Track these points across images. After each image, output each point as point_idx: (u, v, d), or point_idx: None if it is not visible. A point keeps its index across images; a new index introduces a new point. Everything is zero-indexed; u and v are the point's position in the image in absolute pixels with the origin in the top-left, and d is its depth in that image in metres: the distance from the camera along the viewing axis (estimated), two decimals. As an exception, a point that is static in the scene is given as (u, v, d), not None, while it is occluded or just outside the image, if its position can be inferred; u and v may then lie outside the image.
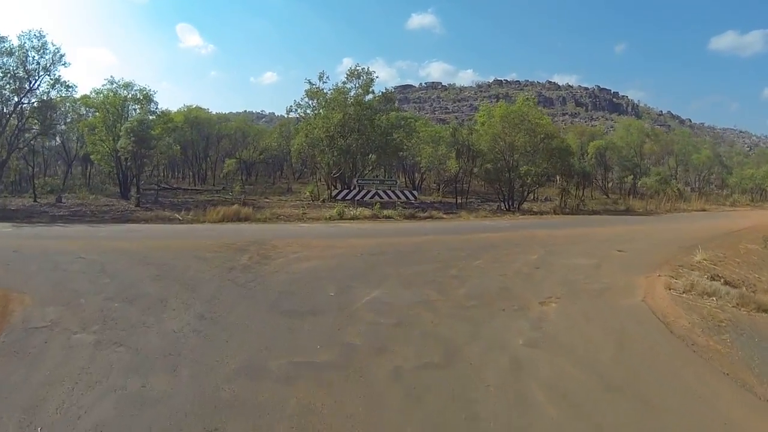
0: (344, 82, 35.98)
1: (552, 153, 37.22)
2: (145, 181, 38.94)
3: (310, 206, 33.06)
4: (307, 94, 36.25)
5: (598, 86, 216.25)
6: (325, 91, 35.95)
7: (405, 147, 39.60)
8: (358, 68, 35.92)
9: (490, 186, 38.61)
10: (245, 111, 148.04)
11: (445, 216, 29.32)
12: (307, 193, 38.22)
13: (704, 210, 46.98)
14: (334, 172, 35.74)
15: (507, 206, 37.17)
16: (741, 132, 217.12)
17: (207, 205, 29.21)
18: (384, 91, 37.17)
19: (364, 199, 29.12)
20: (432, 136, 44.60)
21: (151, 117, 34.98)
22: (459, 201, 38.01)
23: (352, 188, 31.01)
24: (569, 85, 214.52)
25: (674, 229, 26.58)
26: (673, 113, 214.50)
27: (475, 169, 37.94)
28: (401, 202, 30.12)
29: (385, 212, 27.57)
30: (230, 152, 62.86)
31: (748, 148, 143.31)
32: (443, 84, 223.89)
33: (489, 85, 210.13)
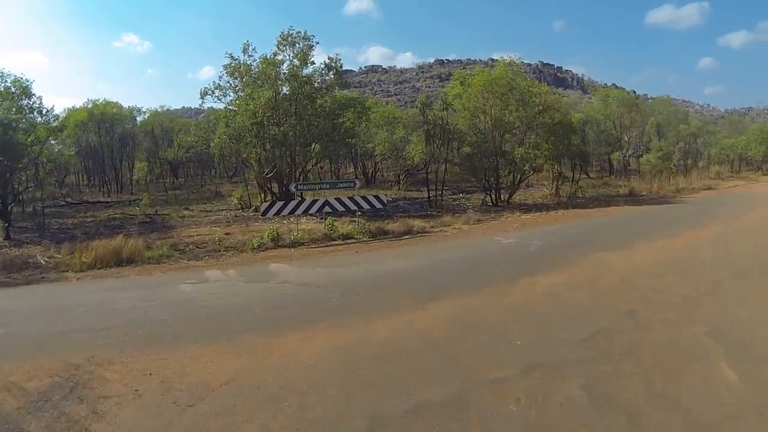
0: (275, 54, 27.11)
1: (553, 130, 29.42)
2: (43, 196, 29.08)
3: (237, 219, 24.62)
4: (226, 71, 27.22)
5: (542, 61, 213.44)
6: (251, 65, 27.12)
7: (356, 132, 31.03)
8: (292, 33, 27.17)
9: (472, 175, 30.26)
10: (182, 107, 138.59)
11: (425, 224, 21.05)
12: (235, 200, 29.36)
13: (710, 188, 40.03)
14: (266, 171, 26.75)
15: (494, 199, 29.22)
16: (684, 101, 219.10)
17: (104, 228, 22.85)
18: (327, 61, 28.25)
19: (309, 213, 19.77)
20: (386, 117, 37.41)
21: (37, 117, 25.85)
22: (430, 196, 29.77)
23: (289, 197, 22.37)
24: (513, 61, 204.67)
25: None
26: (618, 86, 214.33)
27: (451, 155, 29.39)
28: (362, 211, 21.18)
29: (341, 228, 18.92)
30: (154, 152, 53.62)
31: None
32: (383, 67, 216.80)
33: (430, 66, 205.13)
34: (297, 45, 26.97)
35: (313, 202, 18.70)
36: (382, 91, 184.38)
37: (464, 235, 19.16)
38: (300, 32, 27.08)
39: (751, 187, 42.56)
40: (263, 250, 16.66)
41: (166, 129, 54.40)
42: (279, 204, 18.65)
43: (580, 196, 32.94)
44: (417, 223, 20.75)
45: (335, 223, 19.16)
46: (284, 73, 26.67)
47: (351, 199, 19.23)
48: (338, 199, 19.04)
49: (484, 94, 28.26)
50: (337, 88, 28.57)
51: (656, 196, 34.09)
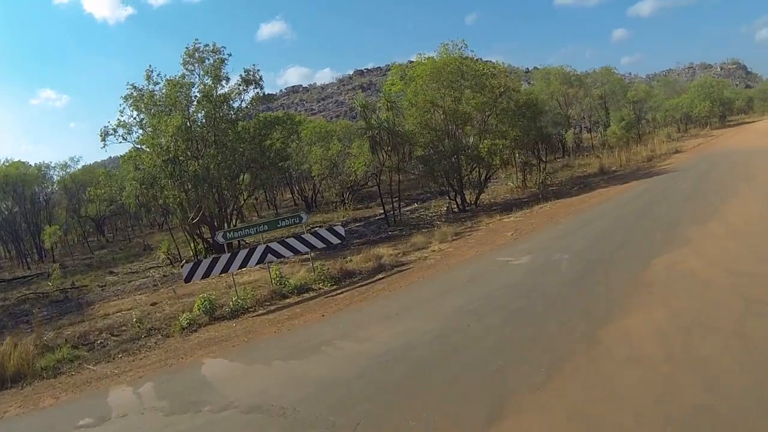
0: (183, 75, 22.80)
1: (519, 114, 25.92)
2: None
3: (166, 280, 20.07)
4: (128, 103, 22.69)
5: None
6: (154, 92, 22.69)
7: (288, 154, 26.97)
8: (198, 47, 22.91)
9: (431, 179, 26.38)
10: (109, 157, 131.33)
11: (395, 251, 17.01)
12: (162, 256, 24.79)
13: (679, 152, 37.34)
14: (191, 216, 22.28)
15: (460, 204, 25.51)
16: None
17: (8, 317, 18.36)
18: (244, 74, 23.92)
19: (248, 266, 14.65)
20: (318, 133, 34.10)
21: None
22: (386, 212, 25.83)
23: (221, 247, 17.88)
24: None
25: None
26: (539, 67, 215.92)
27: (402, 162, 25.45)
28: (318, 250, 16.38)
29: (293, 277, 14.48)
30: (75, 210, 48.15)
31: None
32: (304, 86, 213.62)
33: (350, 77, 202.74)
34: (207, 61, 22.80)
35: (251, 251, 14.11)
36: (306, 110, 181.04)
37: (452, 259, 15.01)
38: (208, 45, 22.87)
39: (718, 142, 40.78)
40: (195, 330, 12.14)
41: (83, 183, 48.94)
42: (205, 263, 13.84)
43: (550, 183, 29.70)
44: (385, 252, 16.60)
45: (284, 273, 14.91)
46: (196, 96, 22.48)
47: (298, 238, 14.69)
48: (283, 242, 14.59)
49: (431, 85, 24.53)
50: (259, 104, 24.40)
51: (632, 169, 31.06)
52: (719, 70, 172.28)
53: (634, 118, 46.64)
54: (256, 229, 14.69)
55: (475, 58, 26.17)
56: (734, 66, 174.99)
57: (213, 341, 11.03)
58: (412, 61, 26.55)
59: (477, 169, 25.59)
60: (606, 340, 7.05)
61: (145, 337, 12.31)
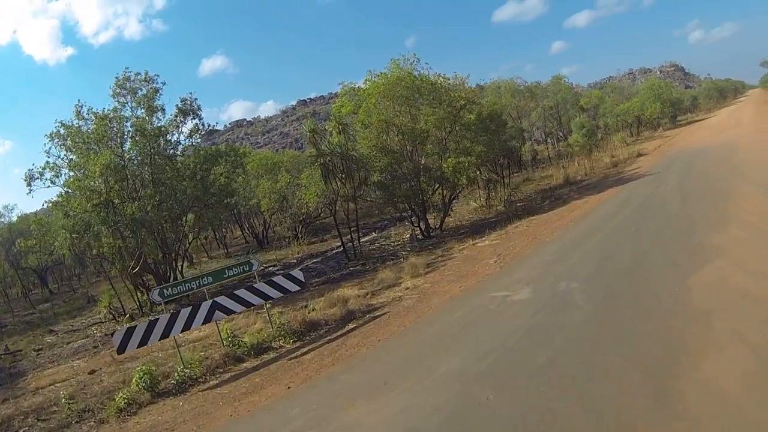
0: (114, 109, 20.75)
1: (483, 128, 24.46)
2: None
3: (107, 340, 17.38)
4: (53, 142, 20.47)
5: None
6: (81, 129, 20.52)
7: (233, 189, 25.23)
8: (129, 75, 20.89)
9: (391, 205, 24.66)
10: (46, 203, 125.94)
11: (361, 292, 15.13)
12: (103, 311, 22.27)
13: (642, 155, 36.56)
14: (131, 265, 20.00)
15: (425, 230, 23.82)
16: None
17: None
18: (180, 104, 21.83)
19: (193, 327, 12.10)
20: (265, 165, 32.22)
21: None
22: (344, 246, 23.98)
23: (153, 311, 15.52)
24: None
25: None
26: (482, 85, 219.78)
27: (359, 189, 23.65)
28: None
29: (248, 335, 12.46)
30: (15, 262, 44.95)
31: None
32: (248, 119, 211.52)
33: (294, 108, 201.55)
34: (139, 91, 20.80)
35: (195, 309, 11.93)
36: (252, 143, 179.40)
37: (433, 298, 12.97)
38: (140, 74, 20.87)
39: (678, 142, 40.62)
40: (135, 411, 9.98)
41: (21, 233, 45.70)
42: (141, 329, 11.37)
43: (516, 200, 28.36)
44: (351, 294, 14.65)
45: (237, 326, 12.92)
46: (129, 131, 20.40)
47: (251, 289, 12.63)
48: (233, 295, 12.49)
49: (385, 103, 22.91)
50: (198, 136, 22.44)
51: (599, 177, 29.98)
52: (659, 73, 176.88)
53: (594, 124, 45.90)
54: (199, 283, 12.50)
55: (428, 75, 24.64)
56: (672, 68, 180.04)
57: (155, 428, 8.96)
58: (361, 87, 24.71)
59: (440, 190, 23.97)
60: (693, 410, 5.15)
61: (77, 422, 10.19)
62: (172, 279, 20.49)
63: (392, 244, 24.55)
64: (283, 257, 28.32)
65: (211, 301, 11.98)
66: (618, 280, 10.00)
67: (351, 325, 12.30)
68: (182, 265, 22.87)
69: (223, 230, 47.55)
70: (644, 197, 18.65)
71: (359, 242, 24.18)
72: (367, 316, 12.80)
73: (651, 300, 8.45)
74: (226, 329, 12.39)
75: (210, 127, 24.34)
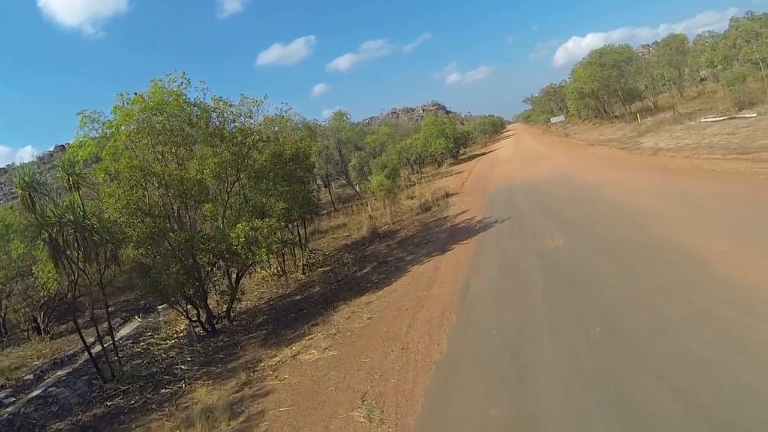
0: None
1: (286, 174, 18.32)
2: None
3: None
4: None
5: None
6: None
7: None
8: None
9: (158, 296, 16.68)
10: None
11: None
12: None
13: (449, 194, 32.97)
14: None
15: (207, 321, 16.77)
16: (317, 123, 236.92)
17: None
18: None
19: None
20: None
21: None
22: (91, 354, 15.41)
23: None
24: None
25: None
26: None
27: (109, 271, 15.55)
28: None
29: None
30: None
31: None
32: (2, 167, 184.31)
33: (51, 154, 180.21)
34: None
35: None
36: (5, 195, 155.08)
37: None
38: None
39: (480, 177, 38.86)
40: None
41: None
42: None
43: (316, 263, 22.79)
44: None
45: None
46: None
47: None
48: None
49: (141, 140, 15.77)
50: None
51: (414, 225, 25.41)
52: (421, 111, 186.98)
53: (396, 162, 41.88)
54: None
55: (206, 101, 17.56)
56: (435, 107, 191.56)
57: None
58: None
59: (227, 267, 17.18)
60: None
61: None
62: None
63: (165, 345, 16.68)
64: (18, 364, 18.85)
65: None
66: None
67: None
68: None
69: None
70: (535, 259, 13.65)
71: (115, 346, 16.15)
72: None
73: None
74: None
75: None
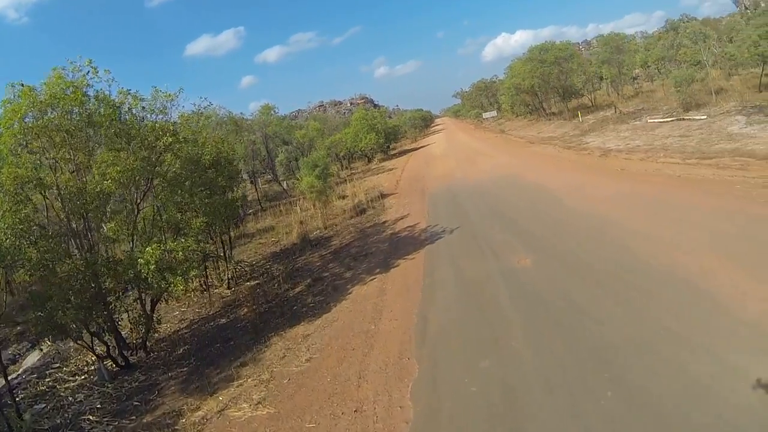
0: None
1: (205, 183, 16.03)
2: None
3: None
4: None
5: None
6: None
7: None
8: None
9: (58, 332, 13.92)
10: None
11: None
12: None
13: (384, 195, 31.22)
14: None
15: (119, 354, 14.23)
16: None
17: None
18: None
19: None
20: None
21: None
22: None
23: None
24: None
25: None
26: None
27: None
28: None
29: None
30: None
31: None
32: None
33: None
34: None
35: None
36: None
37: None
38: None
39: (417, 175, 37.19)
40: None
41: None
42: None
43: (241, 274, 20.65)
44: None
45: None
46: None
47: None
48: None
49: (31, 142, 13.19)
50: None
51: (352, 231, 23.49)
52: (349, 105, 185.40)
53: (328, 161, 39.76)
54: None
55: (111, 95, 14.87)
56: (363, 101, 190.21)
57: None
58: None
59: (140, 294, 14.72)
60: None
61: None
62: None
63: (73, 382, 13.98)
64: None
65: None
66: None
67: None
68: None
69: None
70: (503, 283, 11.91)
71: (9, 386, 13.39)
72: None
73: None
74: None
75: None
